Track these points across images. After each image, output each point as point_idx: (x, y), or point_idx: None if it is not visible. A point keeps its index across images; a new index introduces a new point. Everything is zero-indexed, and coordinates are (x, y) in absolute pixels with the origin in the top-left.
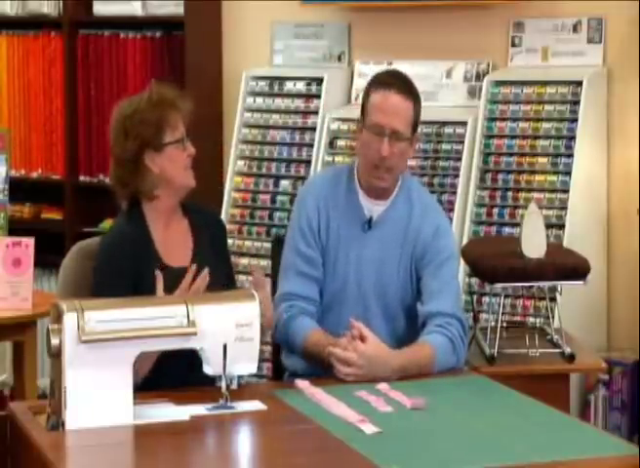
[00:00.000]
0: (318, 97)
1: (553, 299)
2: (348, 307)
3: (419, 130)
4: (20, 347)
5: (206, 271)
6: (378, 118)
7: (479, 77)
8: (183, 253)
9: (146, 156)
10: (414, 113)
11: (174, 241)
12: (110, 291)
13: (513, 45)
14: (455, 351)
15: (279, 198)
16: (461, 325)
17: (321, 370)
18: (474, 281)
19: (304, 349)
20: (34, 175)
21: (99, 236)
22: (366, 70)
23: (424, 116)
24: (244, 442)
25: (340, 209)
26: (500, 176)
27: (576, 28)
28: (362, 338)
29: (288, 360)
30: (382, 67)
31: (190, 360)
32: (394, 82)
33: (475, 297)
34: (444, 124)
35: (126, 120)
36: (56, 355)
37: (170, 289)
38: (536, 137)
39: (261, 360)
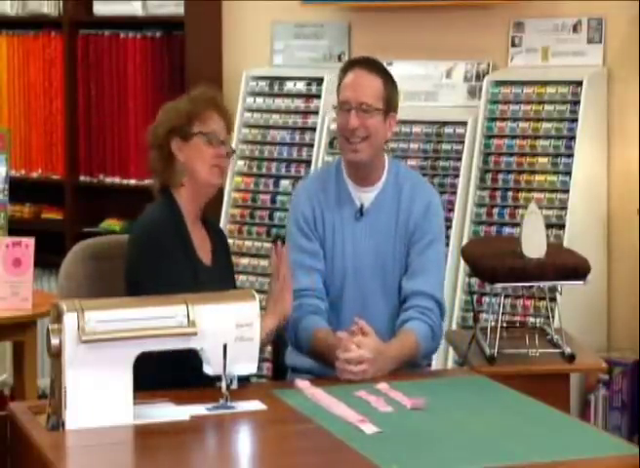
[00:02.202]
0: (318, 97)
1: (553, 299)
2: (349, 298)
3: (395, 112)
4: (20, 347)
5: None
6: (345, 95)
7: (479, 77)
8: (206, 252)
9: (173, 143)
10: (384, 89)
11: (198, 238)
12: (162, 272)
13: (513, 45)
14: (434, 338)
15: (279, 198)
16: (440, 309)
17: (327, 368)
18: (474, 281)
19: (311, 349)
20: (34, 175)
21: (100, 236)
22: None
23: (424, 116)
24: (244, 442)
25: (331, 202)
26: (500, 176)
27: (576, 28)
28: (364, 333)
29: (290, 359)
30: None
31: (190, 360)
32: (358, 61)
33: (475, 297)
34: (444, 124)
35: (161, 113)
36: (56, 355)
37: (197, 283)
38: (536, 137)
39: (261, 360)
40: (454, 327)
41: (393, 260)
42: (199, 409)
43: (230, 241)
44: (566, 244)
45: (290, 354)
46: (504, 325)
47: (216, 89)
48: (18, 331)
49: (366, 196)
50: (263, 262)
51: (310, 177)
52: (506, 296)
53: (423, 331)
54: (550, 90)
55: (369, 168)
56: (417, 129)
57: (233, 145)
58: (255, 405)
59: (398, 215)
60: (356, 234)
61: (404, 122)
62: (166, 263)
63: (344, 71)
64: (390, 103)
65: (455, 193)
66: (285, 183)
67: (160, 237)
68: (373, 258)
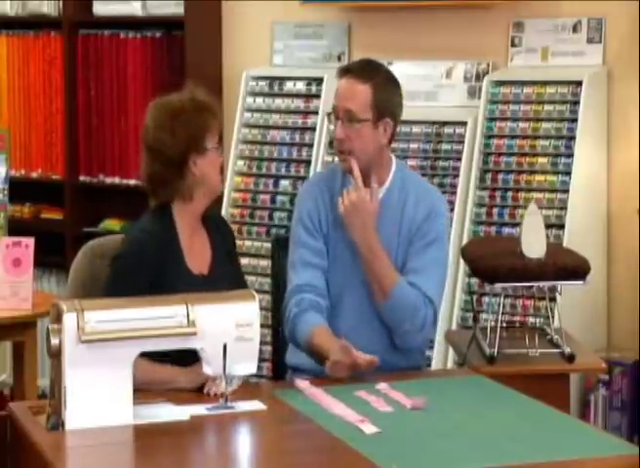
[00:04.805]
0: (318, 97)
1: (553, 299)
2: (349, 298)
3: (392, 116)
4: (20, 347)
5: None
6: (333, 103)
7: (479, 77)
8: (203, 261)
9: (191, 158)
10: (373, 97)
11: (197, 247)
12: (129, 284)
13: (513, 45)
14: (422, 328)
15: (279, 198)
16: (434, 312)
17: (322, 366)
18: (474, 281)
19: (308, 345)
20: (34, 175)
21: (105, 236)
22: None
23: (424, 116)
24: (244, 442)
25: (336, 202)
26: (500, 176)
27: (576, 28)
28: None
29: (293, 358)
30: None
31: (189, 359)
32: (350, 68)
33: (475, 297)
34: (444, 124)
35: (172, 119)
36: (56, 355)
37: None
38: (536, 137)
39: (261, 360)
40: (454, 327)
41: (396, 261)
42: (199, 409)
43: None
44: (566, 244)
45: (291, 353)
46: (504, 325)
47: (206, 90)
48: (18, 331)
49: None
50: (263, 262)
51: (315, 177)
52: (506, 296)
53: (411, 296)
54: (550, 90)
55: (365, 171)
56: (416, 129)
57: (233, 145)
58: (255, 405)
59: (402, 221)
60: None
61: (404, 122)
62: (139, 274)
63: (338, 78)
64: (383, 110)
65: (455, 193)
66: (285, 183)
67: (143, 249)
68: None
